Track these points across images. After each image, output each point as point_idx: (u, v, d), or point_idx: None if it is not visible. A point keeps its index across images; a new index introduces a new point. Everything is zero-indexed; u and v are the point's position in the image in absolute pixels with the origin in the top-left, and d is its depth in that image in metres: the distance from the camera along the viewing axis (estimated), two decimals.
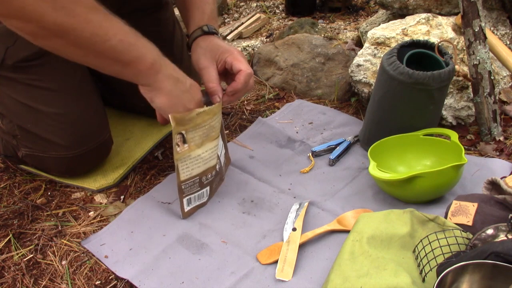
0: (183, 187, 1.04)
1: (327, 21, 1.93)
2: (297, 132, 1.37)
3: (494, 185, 0.99)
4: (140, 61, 0.91)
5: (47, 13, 0.79)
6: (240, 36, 1.85)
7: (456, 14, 1.39)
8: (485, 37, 1.25)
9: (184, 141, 0.99)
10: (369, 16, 1.89)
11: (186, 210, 1.08)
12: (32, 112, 1.14)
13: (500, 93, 1.40)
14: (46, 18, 0.79)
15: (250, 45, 1.75)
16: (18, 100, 1.14)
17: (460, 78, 1.27)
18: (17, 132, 1.18)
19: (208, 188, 1.10)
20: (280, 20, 1.99)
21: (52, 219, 1.13)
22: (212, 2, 1.18)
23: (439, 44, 1.15)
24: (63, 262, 1.03)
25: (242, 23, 1.91)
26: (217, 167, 1.10)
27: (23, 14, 0.78)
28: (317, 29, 1.77)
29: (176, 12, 1.86)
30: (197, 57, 1.09)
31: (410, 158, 1.18)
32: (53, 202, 1.19)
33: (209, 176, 1.08)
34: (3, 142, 1.25)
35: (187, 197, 1.06)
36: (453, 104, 1.31)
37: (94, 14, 0.84)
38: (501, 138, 1.26)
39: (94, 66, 0.92)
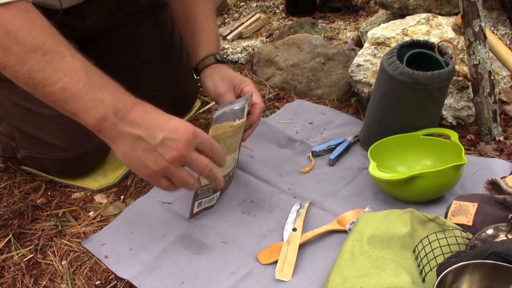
0: (198, 192, 1.03)
1: (327, 21, 1.93)
2: (297, 132, 1.37)
3: (494, 185, 0.99)
4: (84, 115, 0.82)
5: None
6: (240, 36, 1.85)
7: (456, 14, 1.39)
8: (485, 37, 1.25)
9: None
10: (369, 16, 1.89)
11: (194, 212, 1.08)
12: (29, 114, 1.14)
13: (500, 93, 1.40)
14: None
15: (250, 45, 1.75)
16: (15, 102, 1.14)
17: (460, 78, 1.27)
18: (16, 134, 1.18)
19: (218, 193, 1.11)
20: (280, 20, 1.99)
21: (52, 219, 1.13)
22: (216, 29, 1.20)
23: (439, 44, 1.15)
24: (63, 262, 1.03)
25: (242, 23, 1.91)
26: (230, 174, 1.11)
27: None
28: (317, 29, 1.77)
29: None
30: (215, 83, 1.11)
31: (410, 158, 1.18)
32: (53, 202, 1.19)
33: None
34: (2, 144, 1.25)
35: (199, 201, 1.06)
36: (453, 104, 1.31)
37: (34, 55, 0.78)
38: (501, 138, 1.26)
39: (47, 104, 0.85)
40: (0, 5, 0.77)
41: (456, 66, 1.16)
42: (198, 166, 0.87)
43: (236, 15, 2.05)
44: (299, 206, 1.09)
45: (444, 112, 1.30)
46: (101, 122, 0.82)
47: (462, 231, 0.89)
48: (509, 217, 0.84)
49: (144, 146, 0.83)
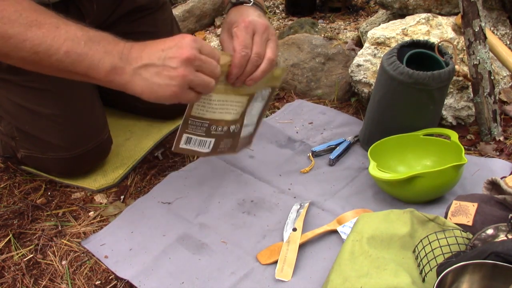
0: (189, 122, 0.97)
1: (327, 21, 1.93)
2: (297, 132, 1.37)
3: (494, 185, 0.99)
4: (95, 71, 0.84)
5: None
6: None
7: (456, 14, 1.39)
8: (485, 37, 1.25)
9: None
10: (369, 16, 1.88)
11: (180, 146, 0.99)
12: (29, 114, 1.14)
13: (500, 93, 1.40)
14: None
15: None
16: (15, 102, 1.14)
17: (460, 78, 1.27)
18: (16, 134, 1.18)
19: (213, 140, 1.03)
20: (280, 20, 1.99)
21: (52, 219, 1.13)
22: None
23: (439, 44, 1.15)
24: (63, 262, 1.03)
25: None
26: (232, 127, 1.04)
27: None
28: (317, 29, 1.77)
29: (175, 12, 1.86)
30: (221, 32, 1.03)
31: (410, 158, 1.18)
32: (53, 202, 1.19)
33: (220, 129, 1.01)
34: (2, 143, 1.25)
35: (188, 135, 0.99)
36: (453, 104, 1.31)
37: (31, 31, 0.81)
38: (501, 138, 1.26)
39: (61, 77, 0.88)
40: None
41: (456, 66, 1.16)
42: (210, 67, 0.86)
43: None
44: (299, 206, 1.09)
45: (444, 112, 1.30)
46: (111, 71, 0.84)
47: (462, 231, 0.89)
48: (509, 217, 0.84)
49: (154, 71, 0.84)
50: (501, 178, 0.99)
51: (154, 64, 0.84)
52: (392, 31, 1.35)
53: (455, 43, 1.31)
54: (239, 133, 1.07)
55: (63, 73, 0.86)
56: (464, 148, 1.09)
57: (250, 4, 1.02)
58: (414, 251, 0.90)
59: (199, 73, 0.85)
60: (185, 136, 0.99)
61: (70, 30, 0.83)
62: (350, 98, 1.50)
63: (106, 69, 0.84)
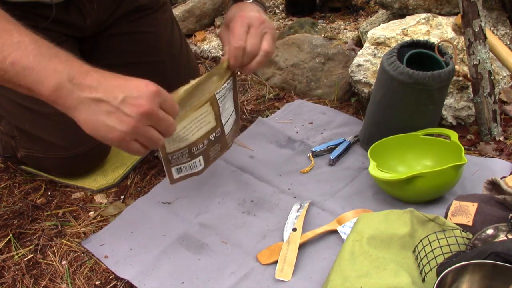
0: (169, 158, 0.97)
1: (327, 21, 1.93)
2: (297, 132, 1.37)
3: (494, 185, 0.99)
4: (39, 87, 0.78)
5: None
6: None
7: (456, 14, 1.39)
8: (485, 37, 1.25)
9: None
10: (369, 16, 1.88)
11: (175, 178, 1.02)
12: (29, 113, 1.14)
13: (500, 93, 1.40)
14: None
15: None
16: (15, 101, 1.14)
17: (460, 78, 1.27)
18: (16, 133, 1.18)
19: (201, 157, 1.04)
20: (280, 20, 1.99)
21: (52, 219, 1.13)
22: None
23: (439, 44, 1.15)
24: (63, 262, 1.03)
25: None
26: (212, 135, 1.03)
27: None
28: (317, 29, 1.77)
29: (175, 12, 1.86)
30: (221, 27, 1.02)
31: (410, 158, 1.18)
32: (53, 202, 1.19)
33: (201, 146, 1.02)
34: (2, 143, 1.25)
35: (176, 167, 1.00)
36: (453, 104, 1.31)
37: None
38: (501, 138, 1.26)
39: (5, 86, 0.82)
40: None
41: (456, 66, 1.16)
42: (165, 125, 0.83)
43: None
44: (299, 206, 1.09)
45: (444, 112, 1.30)
46: (56, 91, 0.78)
47: (462, 231, 0.89)
48: (509, 217, 0.84)
49: (106, 109, 0.79)
50: (501, 178, 0.99)
51: (109, 103, 0.79)
52: (392, 31, 1.35)
53: (455, 43, 1.31)
54: (223, 133, 1.07)
55: (7, 83, 0.81)
56: (464, 148, 1.09)
57: (251, 1, 1.02)
58: (414, 251, 0.90)
59: (151, 129, 0.82)
60: (173, 169, 1.01)
61: (23, 40, 0.78)
62: (350, 98, 1.50)
63: (50, 88, 0.78)
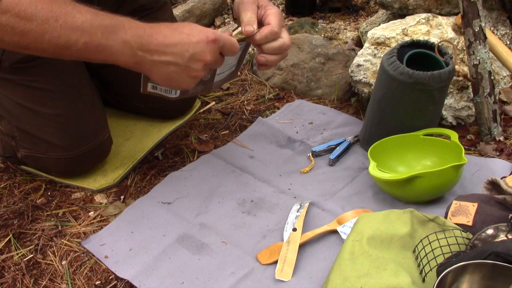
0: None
1: (327, 21, 1.93)
2: (297, 132, 1.37)
3: (494, 185, 0.99)
4: (115, 59, 0.88)
5: (5, 38, 0.82)
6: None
7: (456, 14, 1.39)
8: (485, 37, 1.25)
9: None
10: (369, 16, 1.88)
11: (148, 90, 1.02)
12: (30, 113, 1.14)
13: (500, 93, 1.40)
14: (6, 40, 0.83)
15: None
16: (16, 102, 1.14)
17: (460, 78, 1.27)
18: (16, 134, 1.18)
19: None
20: None
21: (52, 219, 1.13)
22: None
23: (439, 44, 1.15)
24: (63, 262, 1.03)
25: None
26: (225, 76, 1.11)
27: None
28: (317, 29, 1.77)
29: (175, 12, 1.86)
30: (239, 3, 1.05)
31: (410, 158, 1.18)
32: (53, 202, 1.19)
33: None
34: (3, 143, 1.25)
35: (154, 84, 1.00)
36: (453, 104, 1.31)
37: (49, 24, 0.82)
38: (501, 138, 1.26)
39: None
40: None
41: (456, 66, 1.16)
42: (221, 63, 0.96)
43: None
44: (299, 206, 1.09)
45: (444, 112, 1.30)
46: (133, 60, 0.88)
47: (462, 231, 0.89)
48: (509, 217, 0.84)
49: (176, 69, 0.90)
50: (501, 178, 0.99)
51: (177, 64, 0.89)
52: (392, 31, 1.35)
53: (455, 43, 1.31)
54: (212, 80, 1.08)
55: (85, 59, 0.89)
56: (464, 148, 1.09)
57: None
58: (414, 251, 0.90)
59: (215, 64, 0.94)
60: (149, 84, 1.01)
61: (86, 20, 0.84)
62: (350, 98, 1.50)
63: (125, 59, 0.88)
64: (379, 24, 1.50)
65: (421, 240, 0.89)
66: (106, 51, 0.86)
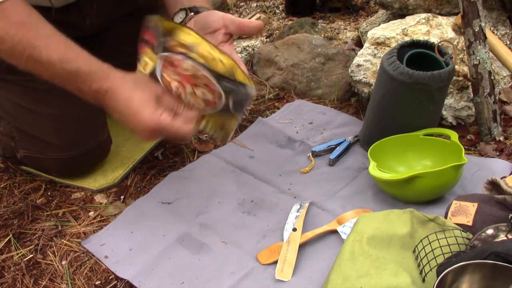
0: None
1: (327, 21, 1.93)
2: (297, 132, 1.37)
3: (494, 185, 0.99)
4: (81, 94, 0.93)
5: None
6: (240, 36, 1.85)
7: (456, 14, 1.39)
8: (485, 37, 1.25)
9: None
10: (369, 16, 1.88)
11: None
12: (29, 114, 1.14)
13: (500, 93, 1.40)
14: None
15: (250, 45, 1.75)
16: (14, 102, 1.14)
17: (460, 78, 1.27)
18: (15, 134, 1.18)
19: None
20: (280, 20, 1.99)
21: (52, 219, 1.13)
22: None
23: (439, 44, 1.15)
24: (63, 262, 1.03)
25: None
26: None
27: None
28: (317, 29, 1.77)
29: None
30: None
31: (410, 158, 1.18)
32: (53, 202, 1.19)
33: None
34: (2, 143, 1.25)
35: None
36: (453, 104, 1.31)
37: (16, 50, 0.88)
38: (501, 138, 1.26)
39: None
40: None
41: (456, 66, 1.16)
42: (175, 137, 0.92)
43: (236, 15, 2.05)
44: (299, 206, 1.09)
45: (444, 112, 1.30)
46: (94, 101, 0.92)
47: (462, 231, 0.89)
48: (509, 217, 0.84)
49: (127, 126, 0.91)
50: (501, 178, 0.99)
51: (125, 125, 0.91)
52: (392, 31, 1.35)
53: (455, 43, 1.31)
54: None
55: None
56: (464, 148, 1.09)
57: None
58: (414, 251, 0.90)
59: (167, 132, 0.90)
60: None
61: (51, 60, 0.88)
62: (350, 98, 1.50)
63: (86, 98, 0.92)
64: (379, 24, 1.50)
65: (421, 240, 0.89)
66: (68, 89, 0.92)
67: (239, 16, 2.03)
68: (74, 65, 0.89)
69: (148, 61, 0.93)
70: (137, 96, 0.88)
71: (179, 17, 1.05)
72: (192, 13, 1.03)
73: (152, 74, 0.92)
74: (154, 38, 0.92)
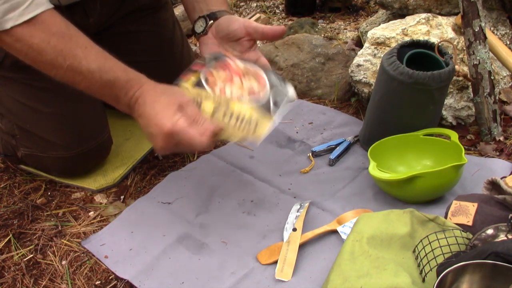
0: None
1: (327, 21, 1.93)
2: (297, 132, 1.37)
3: (494, 185, 0.99)
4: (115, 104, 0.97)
5: (20, 57, 0.93)
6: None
7: (456, 14, 1.39)
8: (485, 37, 1.25)
9: None
10: (369, 16, 1.89)
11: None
12: (30, 112, 1.14)
13: (500, 93, 1.40)
14: (21, 59, 0.93)
15: None
16: (17, 100, 1.15)
17: (460, 78, 1.27)
18: (16, 132, 1.18)
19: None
20: (280, 20, 1.99)
21: (52, 219, 1.13)
22: None
23: (439, 44, 1.15)
24: (63, 262, 1.03)
25: None
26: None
27: None
28: (317, 29, 1.77)
29: (175, 12, 1.86)
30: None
31: (410, 158, 1.18)
32: (53, 202, 1.19)
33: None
34: (3, 142, 1.25)
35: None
36: (453, 104, 1.31)
37: (57, 61, 0.90)
38: (501, 138, 1.26)
39: None
40: (24, 22, 0.87)
41: (456, 66, 1.16)
42: (189, 148, 0.93)
43: (236, 15, 2.05)
44: (299, 206, 1.09)
45: (444, 112, 1.30)
46: (128, 112, 0.95)
47: (462, 231, 0.89)
48: (509, 217, 0.84)
49: (146, 132, 0.92)
50: (501, 178, 0.99)
51: (145, 130, 0.93)
52: (392, 31, 1.35)
53: (455, 43, 1.31)
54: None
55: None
56: (464, 148, 1.09)
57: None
58: (414, 251, 0.90)
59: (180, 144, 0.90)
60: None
61: (90, 70, 0.91)
62: (350, 98, 1.50)
63: (121, 108, 0.96)
64: (379, 24, 1.50)
65: (421, 240, 0.89)
66: (103, 98, 0.96)
67: (239, 16, 2.03)
68: (112, 74, 0.92)
69: (193, 78, 0.99)
70: (161, 100, 0.90)
71: (199, 26, 1.07)
72: (212, 21, 1.05)
73: (197, 82, 0.97)
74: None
